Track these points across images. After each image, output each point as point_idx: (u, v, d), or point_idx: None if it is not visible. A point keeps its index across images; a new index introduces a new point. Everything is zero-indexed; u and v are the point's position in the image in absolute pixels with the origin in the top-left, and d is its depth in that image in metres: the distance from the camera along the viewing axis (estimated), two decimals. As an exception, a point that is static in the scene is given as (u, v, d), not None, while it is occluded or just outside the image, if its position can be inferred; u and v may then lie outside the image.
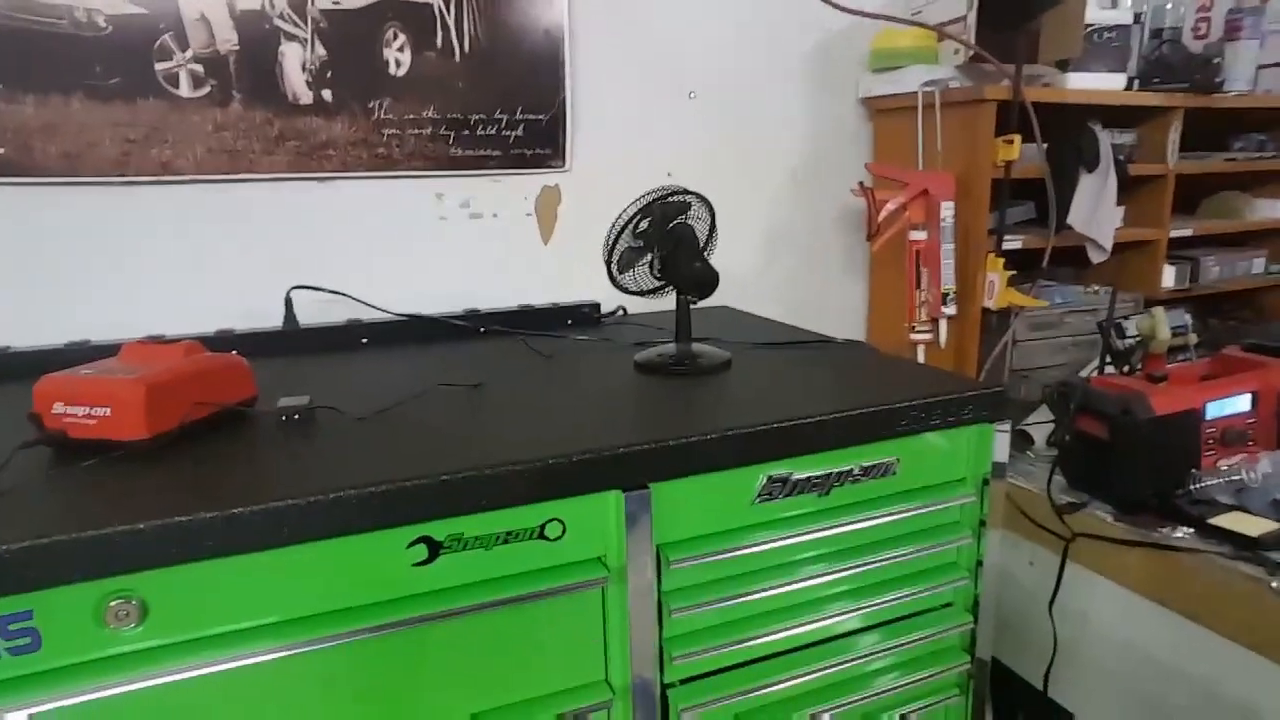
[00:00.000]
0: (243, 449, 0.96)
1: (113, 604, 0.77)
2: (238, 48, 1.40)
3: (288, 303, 1.48)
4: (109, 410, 0.93)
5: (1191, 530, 1.29)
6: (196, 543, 0.78)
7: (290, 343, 1.46)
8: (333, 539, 0.83)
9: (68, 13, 1.29)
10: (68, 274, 1.40)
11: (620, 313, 1.70)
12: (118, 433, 0.92)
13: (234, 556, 0.80)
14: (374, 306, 1.51)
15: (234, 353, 1.11)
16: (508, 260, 1.70)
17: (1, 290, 1.37)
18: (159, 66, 1.37)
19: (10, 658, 0.75)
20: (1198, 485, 1.33)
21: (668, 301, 1.35)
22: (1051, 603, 1.45)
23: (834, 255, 2.04)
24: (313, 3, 1.44)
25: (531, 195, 1.70)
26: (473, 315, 1.57)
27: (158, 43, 1.36)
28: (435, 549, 0.87)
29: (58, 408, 0.94)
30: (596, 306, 1.67)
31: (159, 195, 1.43)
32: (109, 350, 1.08)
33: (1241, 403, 1.40)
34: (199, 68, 1.39)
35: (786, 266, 1.99)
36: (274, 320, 1.47)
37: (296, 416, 1.05)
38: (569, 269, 1.74)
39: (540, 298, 1.70)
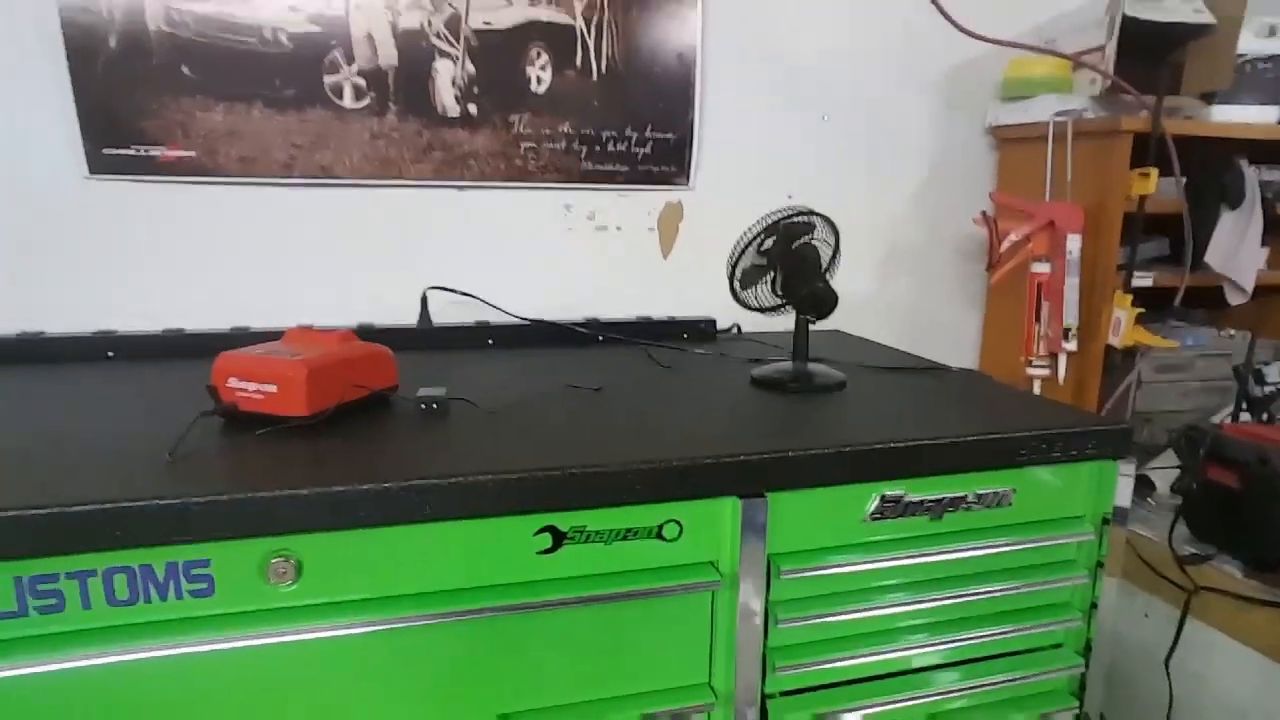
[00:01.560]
0: (388, 431, 1.04)
1: (274, 561, 0.86)
2: (397, 63, 1.52)
3: (423, 302, 1.58)
4: (276, 387, 1.03)
5: (1331, 592, 1.22)
6: (350, 512, 0.86)
7: (423, 339, 1.56)
8: (468, 520, 0.90)
9: (258, 32, 1.43)
10: (231, 265, 1.54)
11: (735, 330, 1.74)
12: (282, 408, 1.02)
13: (381, 528, 0.88)
14: (501, 310, 1.60)
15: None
16: (629, 272, 1.76)
17: (175, 278, 1.52)
18: (327, 79, 1.50)
19: (191, 600, 0.84)
20: (1339, 545, 1.26)
21: (782, 321, 1.37)
22: (1168, 659, 1.39)
23: (951, 283, 2.02)
24: (466, 23, 1.54)
25: (655, 210, 1.75)
26: (593, 323, 1.64)
27: (328, 58, 1.49)
28: (560, 539, 0.93)
29: (232, 382, 1.04)
30: (713, 322, 1.72)
31: (316, 196, 1.56)
32: (268, 336, 1.19)
33: (1393, 460, 1.31)
34: (362, 81, 1.51)
35: (902, 291, 1.98)
36: (410, 317, 1.58)
37: (435, 405, 1.13)
38: (687, 284, 1.78)
39: (658, 310, 1.75)
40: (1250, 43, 1.73)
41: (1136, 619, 1.47)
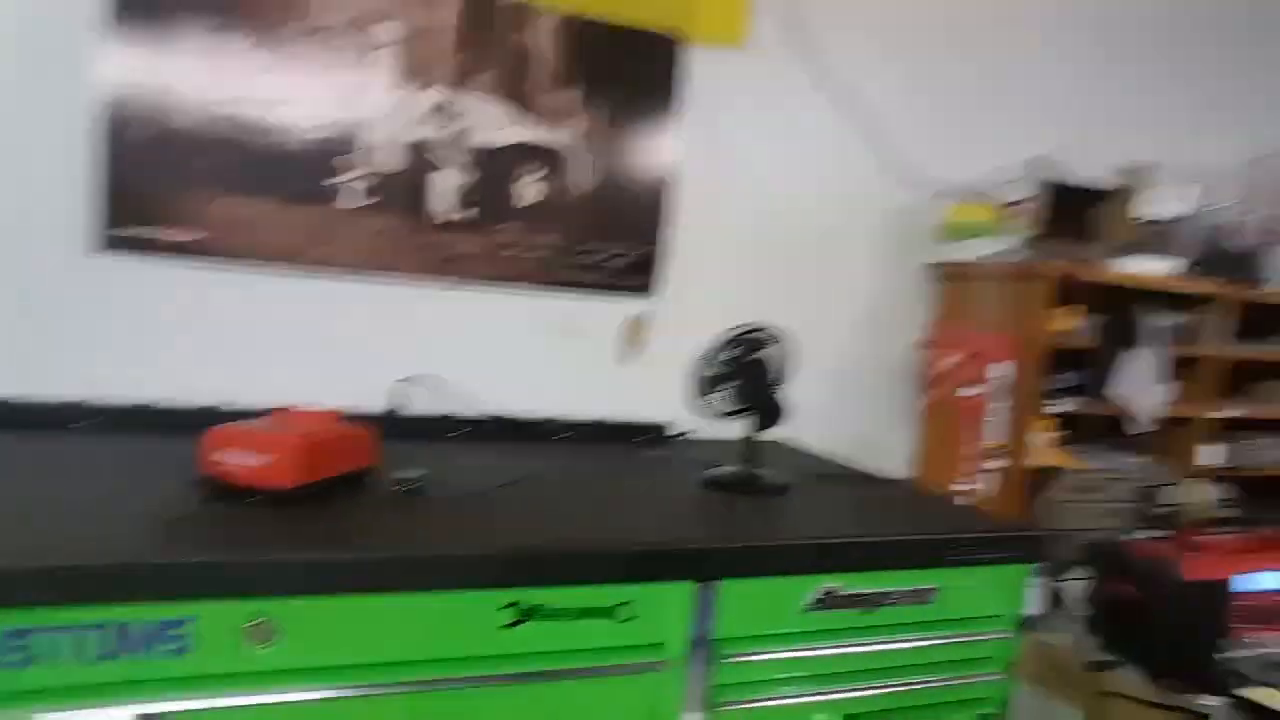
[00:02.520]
0: (367, 508, 1.12)
1: (253, 623, 0.92)
2: (400, 170, 1.67)
3: (399, 391, 1.67)
4: (265, 460, 1.10)
5: (1221, 700, 1.33)
6: (329, 580, 0.94)
7: (395, 427, 1.64)
8: (440, 592, 0.97)
9: (275, 134, 1.57)
10: (219, 345, 1.62)
11: (689, 435, 1.85)
12: (269, 480, 1.10)
13: (358, 597, 0.95)
14: (472, 403, 1.70)
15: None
16: (593, 375, 1.88)
17: (161, 352, 1.59)
18: (334, 180, 1.63)
19: (165, 659, 0.89)
20: (1228, 656, 1.38)
21: (732, 428, 1.49)
22: (1080, 762, 1.48)
23: (889, 402, 2.18)
24: (468, 139, 1.70)
25: (620, 318, 1.89)
26: (557, 422, 1.74)
27: (338, 160, 1.62)
28: (523, 615, 1.01)
29: (222, 454, 1.12)
30: (669, 427, 1.83)
31: (312, 286, 1.66)
32: (250, 414, 1.26)
33: (1271, 579, 1.46)
34: (366, 184, 1.65)
35: (845, 407, 2.13)
36: (382, 404, 1.66)
37: (410, 487, 1.21)
38: (647, 389, 1.90)
39: (619, 412, 1.86)
40: (1155, 206, 1.99)
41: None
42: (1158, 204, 2.01)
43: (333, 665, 0.95)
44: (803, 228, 2.03)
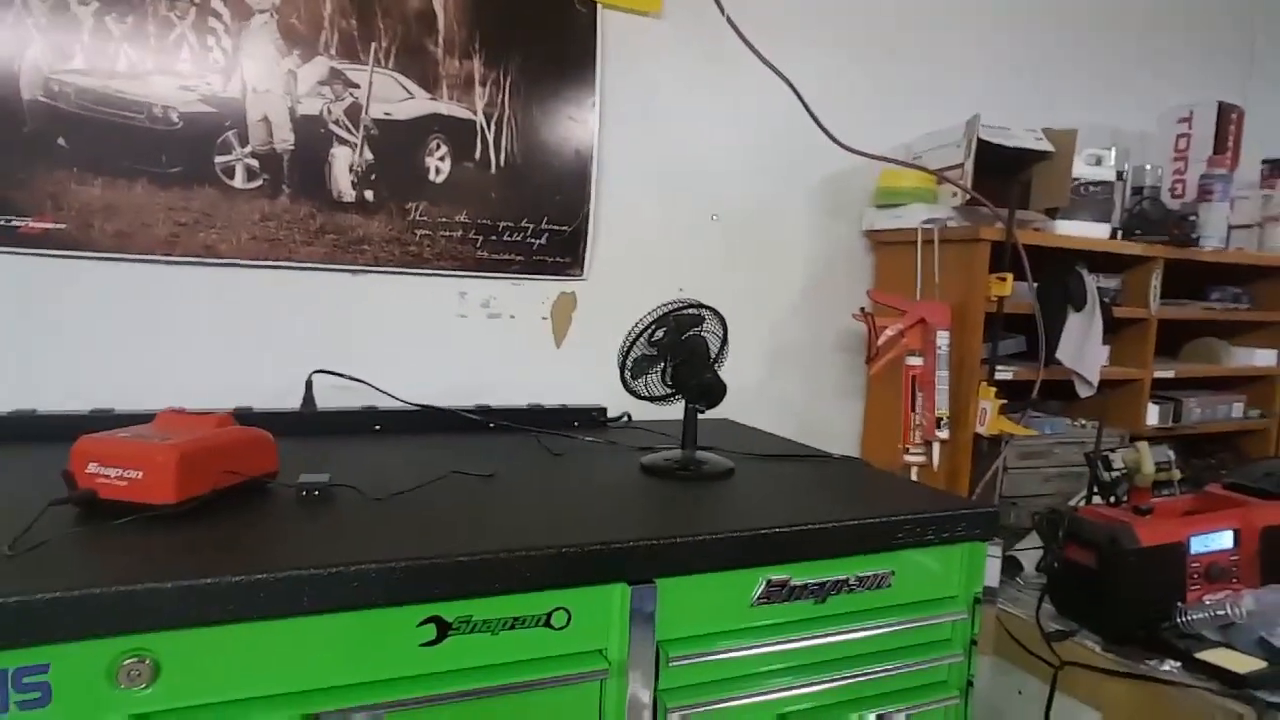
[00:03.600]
0: (265, 519, 0.99)
1: (126, 662, 0.79)
2: (293, 147, 1.52)
3: (308, 385, 1.53)
4: (141, 473, 0.97)
5: (1179, 664, 1.31)
6: (215, 606, 0.81)
7: (307, 424, 1.50)
8: (347, 612, 0.86)
9: (146, 108, 1.41)
10: (101, 342, 1.46)
11: (625, 418, 1.76)
12: (148, 495, 0.96)
13: (250, 622, 0.82)
14: (391, 395, 1.57)
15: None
16: (521, 360, 1.77)
17: (35, 355, 1.42)
18: (218, 159, 1.47)
19: (19, 712, 0.76)
20: (1184, 619, 1.36)
21: (672, 410, 1.41)
22: (1042, 734, 1.44)
23: (833, 375, 2.12)
24: (366, 112, 1.56)
25: (548, 300, 1.78)
26: (484, 410, 1.63)
27: (220, 138, 1.47)
28: (444, 629, 0.90)
29: (92, 467, 0.97)
30: (603, 410, 1.73)
31: (198, 275, 1.51)
32: (135, 419, 1.13)
33: (1224, 539, 1.44)
34: (255, 162, 1.50)
35: (787, 384, 2.07)
36: (293, 401, 1.52)
37: (317, 493, 1.08)
38: (578, 373, 1.80)
39: (550, 398, 1.76)
40: (1083, 169, 1.96)
41: (1011, 696, 1.53)
42: (1087, 166, 1.99)
43: (226, 702, 0.83)
44: (735, 197, 1.95)
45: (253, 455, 1.11)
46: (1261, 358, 2.27)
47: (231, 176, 1.49)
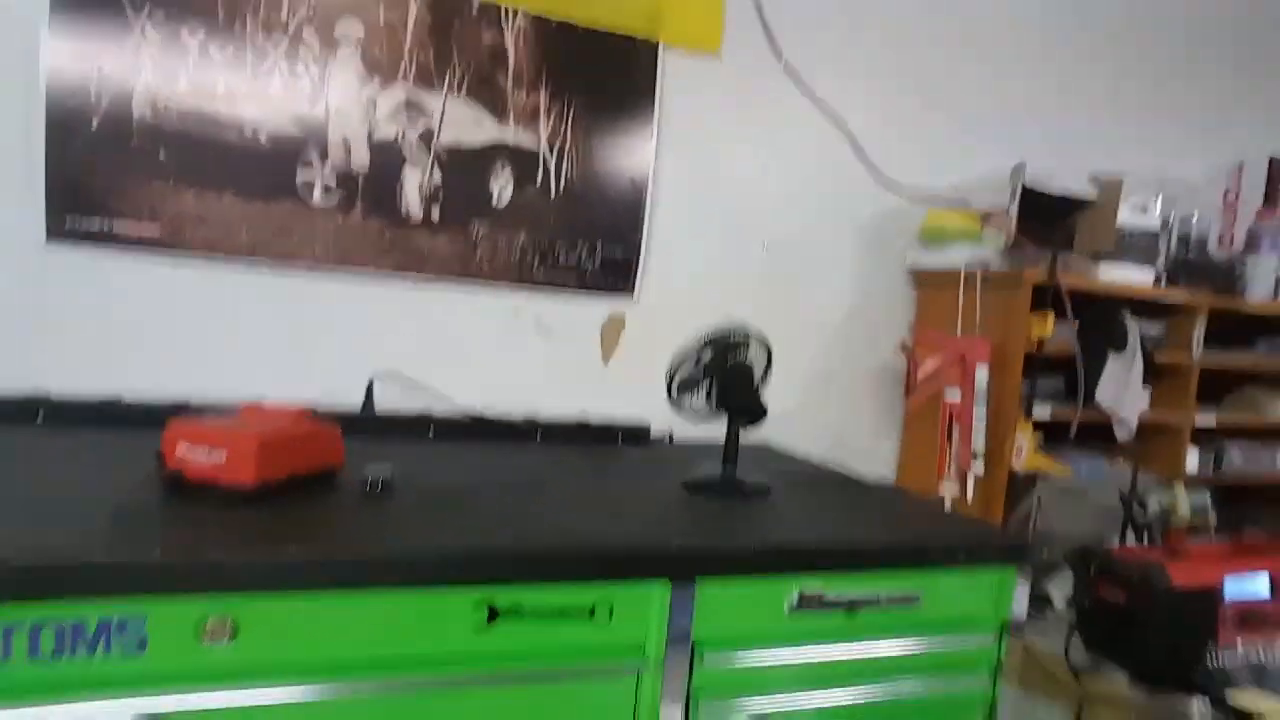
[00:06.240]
0: (333, 506, 1.08)
1: (211, 622, 0.87)
2: (368, 168, 1.63)
3: (369, 389, 1.63)
4: (225, 456, 1.05)
5: (1209, 704, 1.31)
6: (290, 578, 0.89)
7: (366, 425, 1.59)
8: (409, 589, 0.93)
9: (238, 128, 1.53)
10: (183, 339, 1.57)
11: (668, 437, 1.82)
12: (230, 477, 1.05)
13: (321, 594, 0.90)
14: (446, 400, 1.65)
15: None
16: (569, 375, 1.85)
17: (122, 349, 1.54)
18: (300, 176, 1.59)
19: (121, 655, 0.84)
20: (1216, 661, 1.36)
21: (714, 431, 1.46)
22: (1066, 768, 1.45)
23: (870, 406, 2.16)
24: (438, 138, 1.67)
25: (599, 318, 1.86)
26: (532, 422, 1.70)
27: (302, 157, 1.58)
28: (495, 615, 0.96)
29: (181, 449, 1.07)
30: (647, 428, 1.80)
31: (275, 282, 1.61)
32: (210, 412, 1.22)
33: (1260, 584, 1.44)
34: (333, 180, 1.61)
35: (825, 411, 2.11)
36: (354, 402, 1.62)
37: (380, 486, 1.16)
38: (624, 391, 1.87)
39: (596, 413, 1.82)
40: (1128, 215, 1.99)
41: (1037, 732, 1.54)
42: (1133, 214, 2.01)
43: (297, 664, 0.90)
44: (782, 230, 2.02)
45: (323, 448, 1.19)
46: (1308, 411, 2.24)
47: (311, 193, 1.60)
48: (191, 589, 0.86)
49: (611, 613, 1.01)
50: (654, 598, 1.02)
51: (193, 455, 1.06)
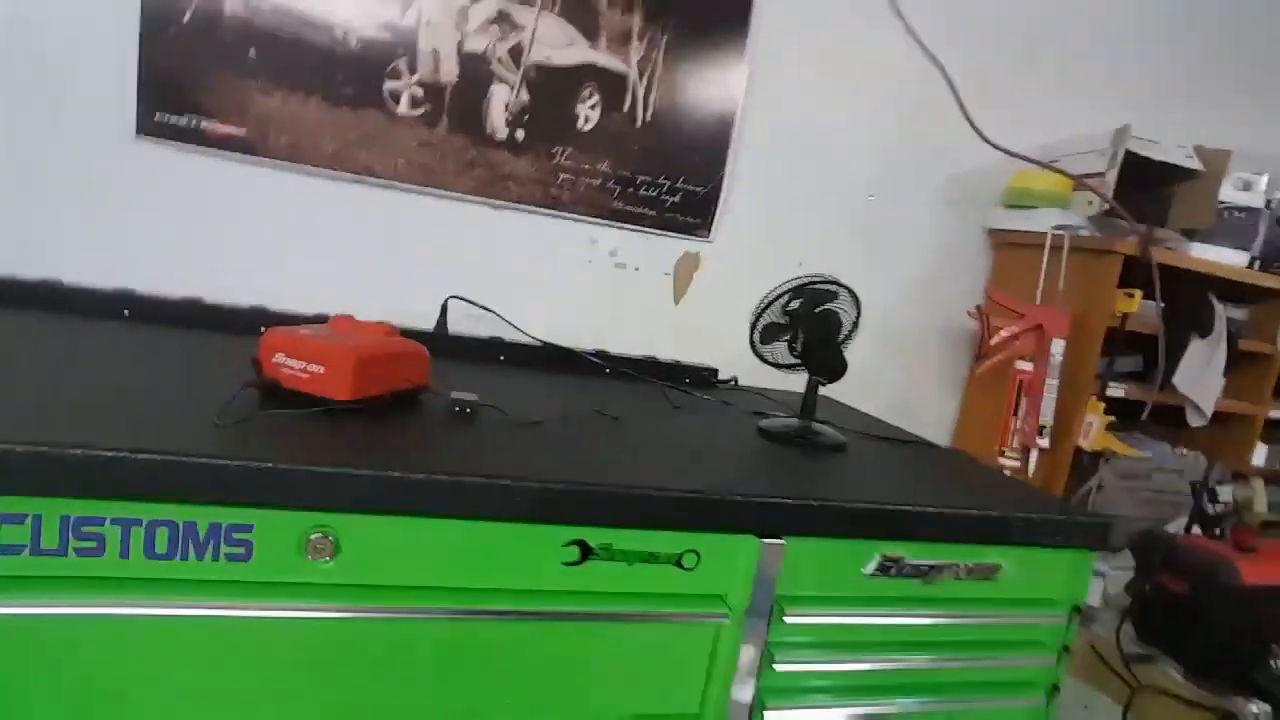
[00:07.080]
0: (424, 426, 1.07)
1: (314, 536, 0.88)
2: (456, 80, 1.58)
3: (443, 309, 1.61)
4: (323, 369, 1.05)
5: (1269, 708, 1.31)
6: (395, 499, 0.88)
7: (439, 346, 1.57)
8: (505, 521, 0.93)
9: (328, 30, 1.48)
10: (265, 245, 1.56)
11: (734, 381, 1.80)
12: (326, 390, 1.04)
13: (422, 518, 0.90)
14: (518, 328, 1.64)
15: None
16: (640, 312, 1.82)
17: (205, 250, 1.53)
18: (387, 85, 1.54)
19: (226, 563, 0.85)
20: (1279, 665, 1.35)
21: (779, 377, 1.44)
22: (1107, 749, 1.47)
23: (935, 367, 2.13)
24: (528, 54, 1.61)
25: (673, 257, 1.82)
26: (603, 355, 1.69)
27: (391, 65, 1.54)
28: (587, 552, 0.96)
29: (278, 358, 1.06)
30: (715, 371, 1.78)
31: (355, 192, 1.59)
32: (285, 319, 1.21)
33: (1331, 587, 1.43)
34: (420, 91, 1.56)
35: (888, 368, 2.08)
36: (427, 322, 1.61)
37: (468, 409, 1.16)
38: (693, 331, 1.85)
39: (664, 352, 1.81)
40: (1229, 192, 1.90)
41: (1077, 711, 1.55)
42: (1235, 191, 1.93)
43: (392, 586, 0.91)
44: (864, 179, 1.95)
45: (413, 366, 1.19)
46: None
47: (397, 102, 1.56)
48: (298, 502, 0.86)
49: (699, 561, 1.01)
50: (742, 550, 1.01)
51: (289, 365, 1.06)
